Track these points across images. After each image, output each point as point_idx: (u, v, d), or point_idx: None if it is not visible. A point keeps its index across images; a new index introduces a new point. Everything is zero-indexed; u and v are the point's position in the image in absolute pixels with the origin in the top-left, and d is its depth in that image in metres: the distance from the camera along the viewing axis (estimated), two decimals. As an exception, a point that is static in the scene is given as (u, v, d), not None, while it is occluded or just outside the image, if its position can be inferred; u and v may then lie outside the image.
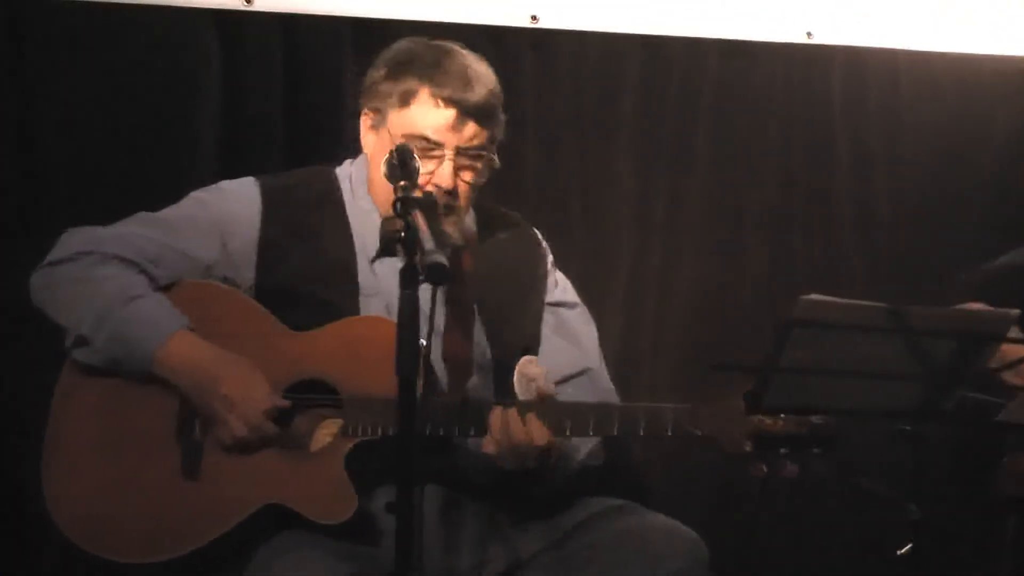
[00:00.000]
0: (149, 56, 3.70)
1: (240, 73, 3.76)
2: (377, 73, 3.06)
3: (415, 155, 2.72)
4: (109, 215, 3.08)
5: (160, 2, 3.67)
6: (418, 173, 2.71)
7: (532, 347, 3.09)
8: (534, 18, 3.90)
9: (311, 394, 2.91)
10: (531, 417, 2.84)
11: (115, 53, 3.68)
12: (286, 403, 2.88)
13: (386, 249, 3.03)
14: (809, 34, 4.08)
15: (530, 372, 2.91)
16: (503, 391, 2.99)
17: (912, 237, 4.15)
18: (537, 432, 2.84)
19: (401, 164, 2.69)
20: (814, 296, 2.53)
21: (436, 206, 2.93)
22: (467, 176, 3.02)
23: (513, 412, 2.84)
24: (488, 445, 2.86)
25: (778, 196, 4.10)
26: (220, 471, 2.89)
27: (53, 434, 2.97)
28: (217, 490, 2.88)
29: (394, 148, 2.72)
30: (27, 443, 3.06)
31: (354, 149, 3.18)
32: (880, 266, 4.14)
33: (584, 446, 3.03)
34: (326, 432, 2.93)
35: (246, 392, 2.85)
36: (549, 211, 3.87)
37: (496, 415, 2.85)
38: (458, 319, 3.04)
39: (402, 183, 2.65)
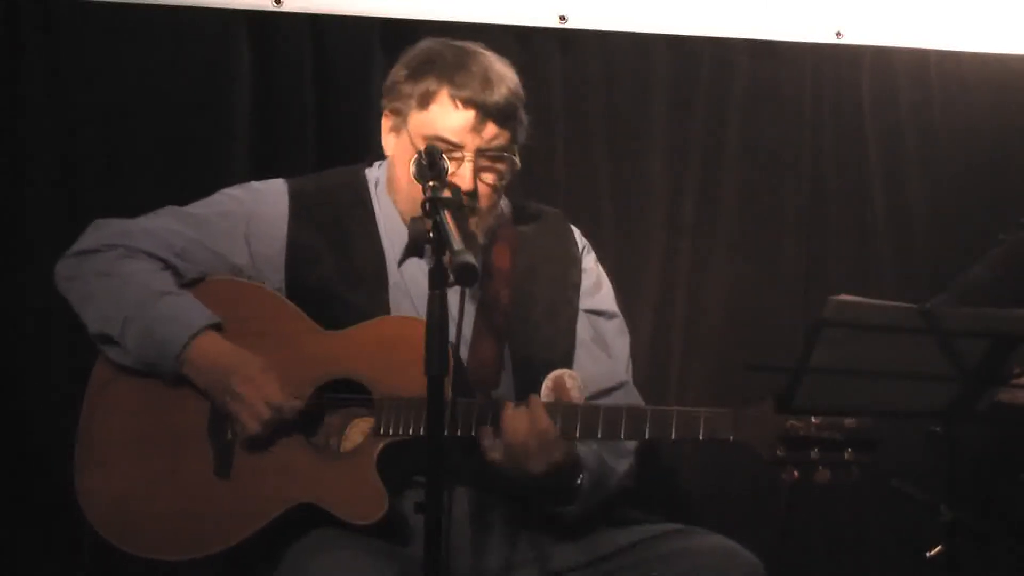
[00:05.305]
0: (180, 56, 3.73)
1: (270, 73, 3.78)
2: (398, 74, 3.02)
3: (443, 155, 2.72)
4: (141, 213, 3.10)
5: (191, 3, 3.69)
6: (447, 173, 2.71)
7: (561, 355, 3.04)
8: (562, 18, 3.90)
9: (343, 393, 2.92)
10: (534, 407, 2.78)
11: (146, 53, 3.71)
12: (297, 403, 2.87)
13: (414, 250, 3.02)
14: (839, 34, 4.06)
15: (563, 383, 2.87)
16: (525, 395, 2.93)
17: (944, 237, 4.13)
18: (541, 420, 2.76)
19: (430, 164, 2.69)
20: (844, 296, 2.52)
21: (463, 207, 2.91)
22: (488, 178, 2.98)
23: (521, 410, 2.79)
24: (493, 451, 2.79)
25: (809, 196, 4.09)
26: (252, 470, 2.89)
27: (86, 429, 2.98)
28: (249, 489, 2.88)
29: (422, 149, 2.72)
30: (59, 436, 3.08)
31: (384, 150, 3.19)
32: (912, 267, 4.12)
33: (620, 467, 2.99)
34: (358, 432, 2.93)
35: (256, 390, 2.85)
36: (579, 211, 3.85)
37: (508, 414, 2.79)
38: (488, 320, 3.01)
39: (431, 183, 2.64)
